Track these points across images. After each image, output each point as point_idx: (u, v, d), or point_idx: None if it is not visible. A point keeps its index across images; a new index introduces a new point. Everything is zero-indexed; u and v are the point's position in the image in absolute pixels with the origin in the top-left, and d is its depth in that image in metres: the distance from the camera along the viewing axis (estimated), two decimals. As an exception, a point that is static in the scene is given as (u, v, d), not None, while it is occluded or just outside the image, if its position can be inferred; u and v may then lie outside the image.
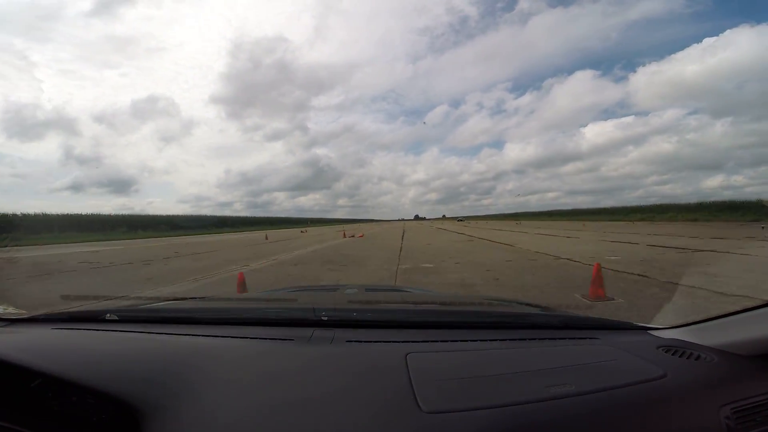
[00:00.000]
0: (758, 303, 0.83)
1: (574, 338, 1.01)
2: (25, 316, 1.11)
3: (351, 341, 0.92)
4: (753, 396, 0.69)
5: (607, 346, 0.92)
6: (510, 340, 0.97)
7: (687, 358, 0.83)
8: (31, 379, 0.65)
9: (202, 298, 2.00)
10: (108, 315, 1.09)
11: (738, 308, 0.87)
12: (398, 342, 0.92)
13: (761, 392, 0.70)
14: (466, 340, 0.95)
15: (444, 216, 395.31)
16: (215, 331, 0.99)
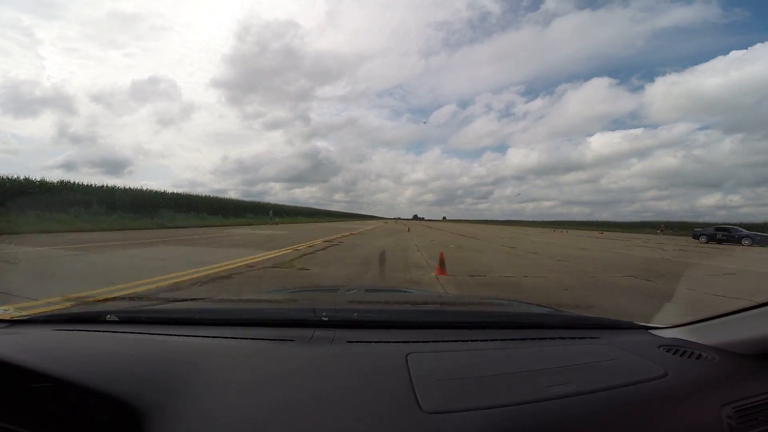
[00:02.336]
0: (759, 302, 0.83)
1: (574, 338, 1.01)
2: (26, 317, 1.11)
3: (351, 342, 0.92)
4: (754, 395, 0.69)
5: (608, 346, 0.92)
6: (510, 339, 0.97)
7: (688, 358, 0.83)
8: (32, 380, 0.65)
9: (202, 299, 2.00)
10: (108, 316, 1.09)
11: (739, 307, 0.87)
12: (399, 342, 0.91)
13: (763, 391, 0.70)
14: (467, 340, 0.95)
15: (444, 218, 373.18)
16: (215, 332, 0.99)
